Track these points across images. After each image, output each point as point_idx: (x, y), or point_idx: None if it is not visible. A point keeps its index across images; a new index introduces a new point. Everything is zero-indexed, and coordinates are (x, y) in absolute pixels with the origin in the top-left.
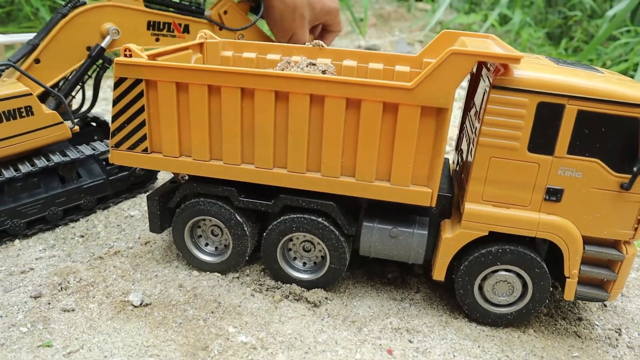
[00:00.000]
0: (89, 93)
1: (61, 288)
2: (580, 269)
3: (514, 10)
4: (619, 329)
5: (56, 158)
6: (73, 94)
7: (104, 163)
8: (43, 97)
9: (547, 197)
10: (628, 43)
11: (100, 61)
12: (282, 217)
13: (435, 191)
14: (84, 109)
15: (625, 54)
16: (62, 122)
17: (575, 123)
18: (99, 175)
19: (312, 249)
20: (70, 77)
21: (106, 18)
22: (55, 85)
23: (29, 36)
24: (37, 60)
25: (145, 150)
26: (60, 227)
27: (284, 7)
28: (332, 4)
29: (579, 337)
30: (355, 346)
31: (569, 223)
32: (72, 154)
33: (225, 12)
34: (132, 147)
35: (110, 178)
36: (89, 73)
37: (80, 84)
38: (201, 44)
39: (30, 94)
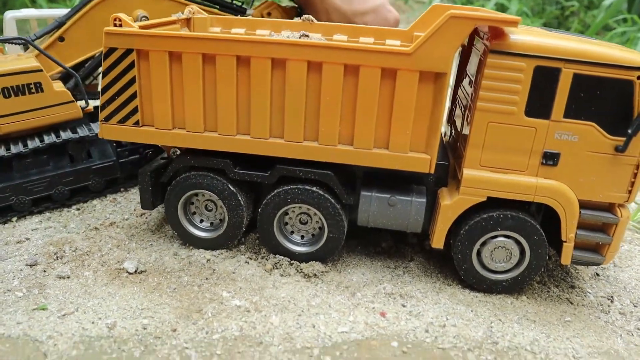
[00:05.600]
0: None
1: (57, 257)
2: (576, 233)
3: (510, 0)
4: (611, 297)
5: (65, 135)
6: (95, 75)
7: (114, 144)
8: (69, 76)
9: (544, 162)
10: (625, 32)
11: None
12: (275, 190)
13: (434, 157)
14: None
15: (621, 44)
16: (72, 101)
17: (571, 86)
18: (109, 157)
19: (309, 220)
20: (96, 55)
21: (139, 4)
22: (82, 65)
23: (62, 12)
24: (61, 39)
25: (136, 123)
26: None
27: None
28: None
29: (572, 303)
30: (348, 309)
31: (566, 187)
32: (82, 132)
33: (269, 14)
34: (122, 121)
35: (120, 161)
36: None
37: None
38: (188, 20)
39: (40, 70)
